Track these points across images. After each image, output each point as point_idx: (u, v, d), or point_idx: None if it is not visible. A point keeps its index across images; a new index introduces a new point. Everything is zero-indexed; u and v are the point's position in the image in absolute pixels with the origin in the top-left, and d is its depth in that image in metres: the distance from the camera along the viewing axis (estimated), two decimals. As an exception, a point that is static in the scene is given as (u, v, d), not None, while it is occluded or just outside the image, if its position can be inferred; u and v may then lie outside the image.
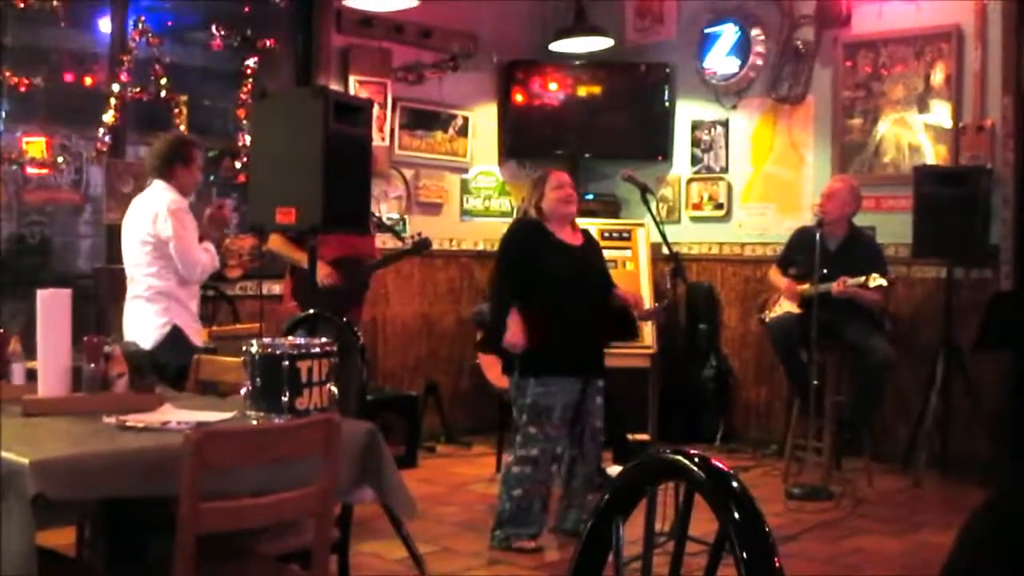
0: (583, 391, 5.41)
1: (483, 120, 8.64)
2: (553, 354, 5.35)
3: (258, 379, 3.25)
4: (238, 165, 7.28)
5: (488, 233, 8.59)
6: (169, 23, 7.26)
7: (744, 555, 1.36)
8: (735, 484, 1.44)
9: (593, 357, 5.52)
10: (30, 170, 6.57)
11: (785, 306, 6.86)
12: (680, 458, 1.53)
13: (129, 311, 5.45)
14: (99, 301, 6.41)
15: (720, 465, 1.48)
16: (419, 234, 6.88)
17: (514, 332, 5.30)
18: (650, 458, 1.66)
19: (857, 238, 6.85)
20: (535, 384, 5.32)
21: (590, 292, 5.51)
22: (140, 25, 6.81)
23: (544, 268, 5.35)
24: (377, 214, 7.33)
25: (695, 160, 8.58)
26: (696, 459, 1.50)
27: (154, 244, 5.27)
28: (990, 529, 1.58)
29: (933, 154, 7.34)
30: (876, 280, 6.38)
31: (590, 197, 8.68)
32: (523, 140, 8.73)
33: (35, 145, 6.52)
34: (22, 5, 6.27)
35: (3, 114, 6.52)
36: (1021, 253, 6.93)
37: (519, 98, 8.70)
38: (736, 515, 1.39)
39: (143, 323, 5.27)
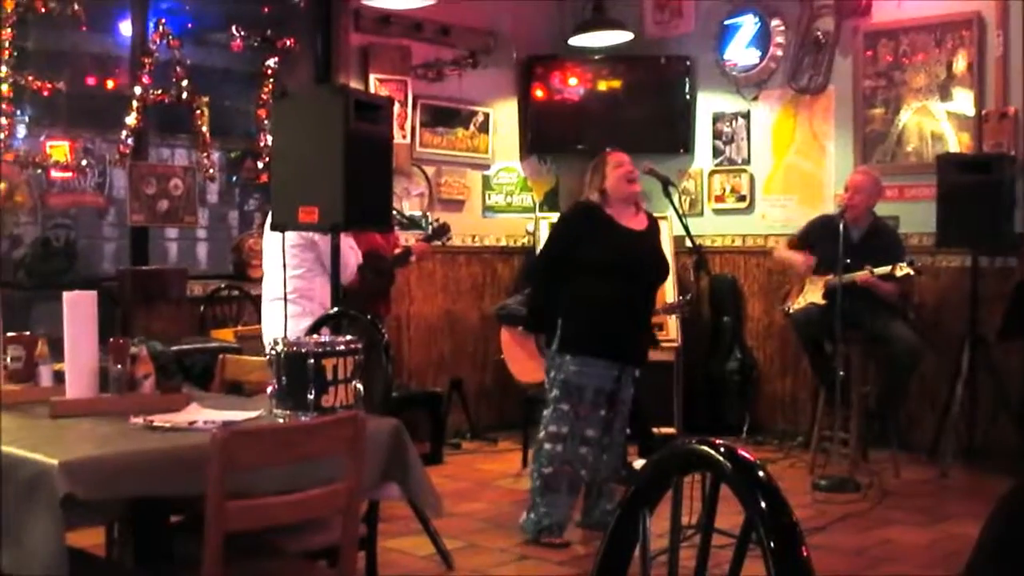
0: (618, 379, 5.40)
1: (504, 116, 8.64)
2: (592, 334, 5.33)
3: (283, 378, 3.26)
4: (260, 165, 7.31)
5: (510, 229, 8.60)
6: (189, 25, 7.29)
7: (771, 545, 1.36)
8: (761, 474, 1.44)
9: (631, 344, 5.46)
10: (54, 174, 6.61)
11: (809, 296, 6.84)
12: (706, 448, 1.53)
13: (269, 312, 5.45)
14: (124, 303, 6.45)
15: (746, 455, 1.48)
16: (437, 220, 6.88)
17: None
18: (676, 449, 1.66)
19: (880, 228, 6.83)
20: (571, 361, 5.31)
21: (640, 279, 5.44)
22: (161, 28, 6.85)
23: (593, 249, 5.30)
24: (399, 211, 7.34)
25: (717, 152, 8.57)
26: (722, 449, 1.50)
27: (304, 245, 5.25)
28: (1015, 518, 1.58)
29: (956, 142, 7.31)
30: (903, 269, 6.36)
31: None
32: (544, 135, 8.73)
33: (58, 149, 6.56)
34: (43, 10, 6.30)
35: (26, 118, 6.56)
36: (1046, 241, 6.89)
37: (539, 93, 8.70)
38: (762, 505, 1.39)
39: (281, 324, 5.23)
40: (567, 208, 5.64)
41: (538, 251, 5.64)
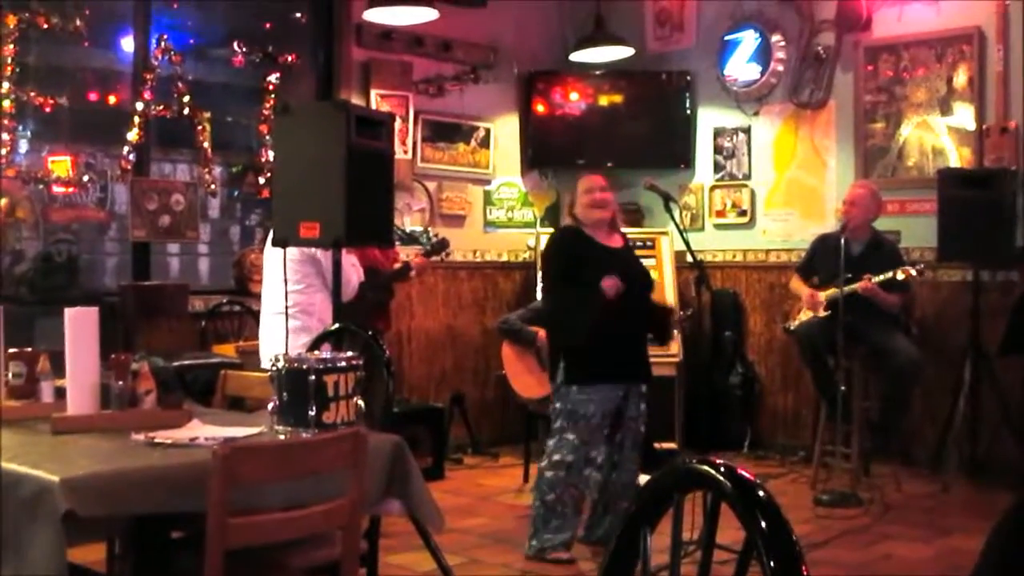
0: (624, 397, 5.40)
1: (505, 131, 8.65)
2: (598, 362, 5.34)
3: (285, 394, 3.26)
4: (261, 180, 7.32)
5: (512, 244, 8.60)
6: (191, 41, 7.32)
7: (771, 565, 1.36)
8: (761, 493, 1.44)
9: (635, 362, 5.49)
10: (56, 189, 6.62)
11: (809, 313, 6.85)
12: (707, 468, 1.53)
13: (268, 326, 5.42)
14: (126, 318, 6.45)
15: (746, 475, 1.48)
16: (436, 235, 6.89)
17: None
18: (677, 468, 1.66)
19: (880, 242, 6.85)
20: (577, 391, 5.31)
21: (632, 296, 5.46)
22: (162, 43, 6.87)
23: (584, 271, 5.33)
24: (400, 227, 7.34)
25: (718, 167, 8.57)
26: (722, 468, 1.50)
27: (305, 260, 5.25)
28: (1018, 533, 1.58)
29: (957, 157, 7.32)
30: (904, 272, 6.41)
31: (613, 206, 8.70)
32: (545, 150, 8.74)
33: (60, 164, 6.58)
34: (46, 26, 6.32)
35: (28, 134, 6.57)
36: (1047, 255, 6.89)
37: (540, 108, 8.71)
38: (763, 524, 1.39)
39: (281, 339, 5.20)
40: (554, 233, 5.72)
41: (541, 278, 5.66)
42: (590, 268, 5.34)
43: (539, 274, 5.75)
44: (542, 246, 8.22)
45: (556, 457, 5.35)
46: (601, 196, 5.52)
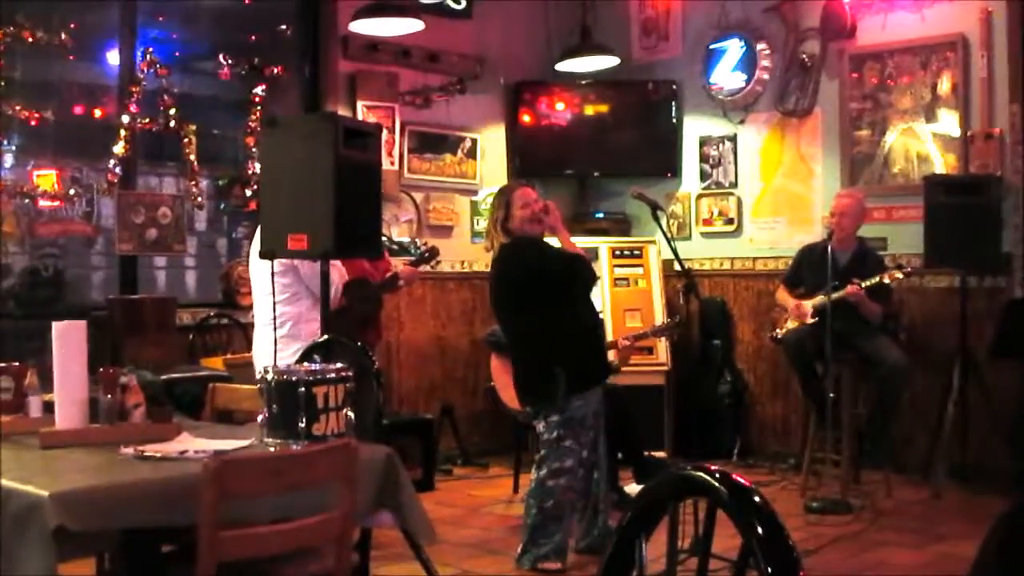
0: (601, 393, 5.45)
1: (492, 142, 8.65)
2: (593, 365, 5.38)
3: (274, 406, 3.25)
4: (248, 193, 7.31)
5: (499, 254, 8.59)
6: (177, 54, 7.31)
7: (769, 570, 1.35)
8: (757, 499, 1.44)
9: (606, 357, 5.59)
10: (42, 203, 6.59)
11: (796, 322, 6.87)
12: (702, 475, 1.53)
13: (259, 338, 5.43)
14: (114, 332, 6.43)
15: (742, 481, 1.48)
16: (425, 243, 6.87)
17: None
18: (672, 476, 1.66)
19: (866, 252, 6.88)
20: (575, 399, 5.30)
21: (587, 287, 5.54)
22: (148, 56, 6.85)
23: (560, 282, 5.35)
24: (387, 237, 7.32)
25: (704, 176, 8.58)
26: (718, 476, 1.50)
27: (284, 270, 5.24)
28: (1012, 538, 1.58)
29: (942, 163, 7.34)
30: (893, 276, 6.46)
31: (600, 215, 8.71)
32: (532, 160, 8.73)
33: (46, 178, 6.56)
34: (31, 39, 6.31)
35: (14, 148, 6.55)
36: (1034, 260, 6.92)
37: (527, 119, 8.72)
38: (760, 531, 1.39)
39: (271, 351, 5.19)
40: (510, 247, 5.48)
41: (504, 299, 5.59)
42: (559, 275, 5.37)
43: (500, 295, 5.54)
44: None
45: (555, 465, 5.32)
46: (539, 208, 5.47)
